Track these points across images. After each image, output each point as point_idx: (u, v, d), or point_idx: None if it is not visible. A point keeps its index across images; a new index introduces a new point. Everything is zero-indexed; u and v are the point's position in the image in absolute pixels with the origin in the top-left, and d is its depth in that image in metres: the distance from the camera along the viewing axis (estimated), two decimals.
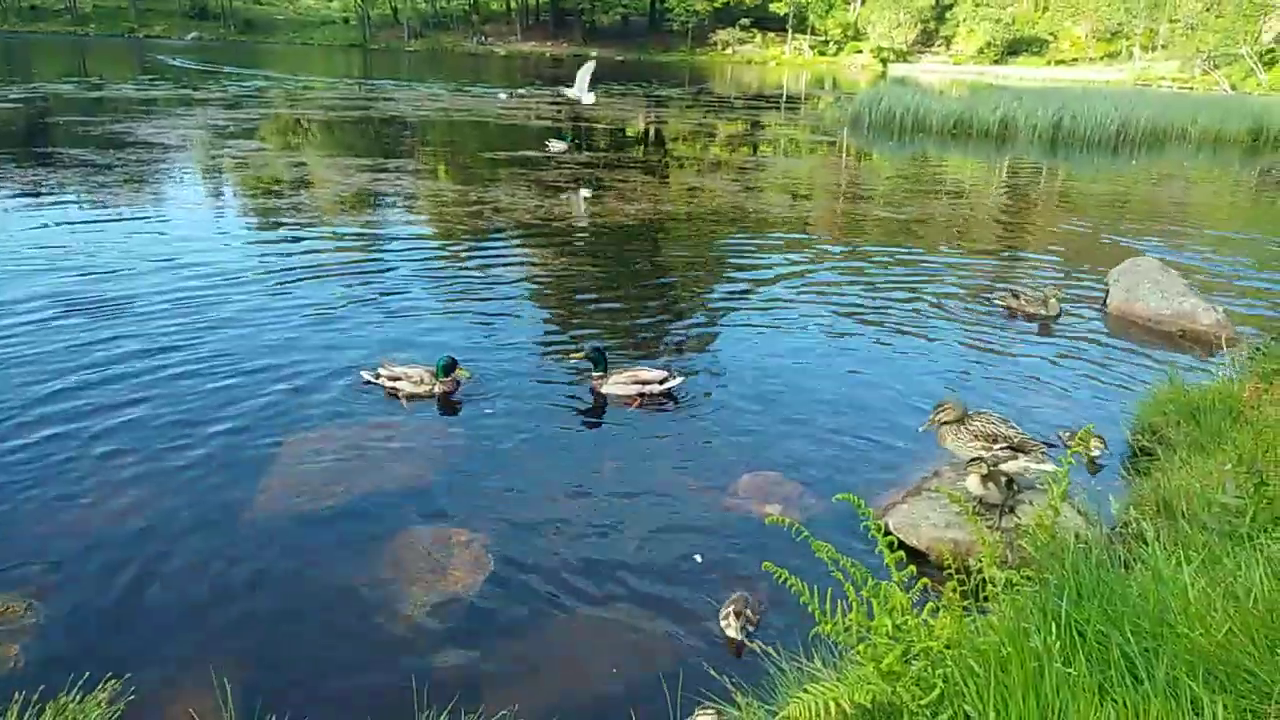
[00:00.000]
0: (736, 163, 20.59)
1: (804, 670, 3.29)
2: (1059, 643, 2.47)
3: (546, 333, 8.23)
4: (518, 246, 11.40)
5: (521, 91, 37.93)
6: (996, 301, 9.44)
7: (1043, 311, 9.02)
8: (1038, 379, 7.43)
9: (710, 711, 3.22)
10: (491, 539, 4.75)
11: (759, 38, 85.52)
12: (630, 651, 3.96)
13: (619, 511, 5.13)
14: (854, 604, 2.72)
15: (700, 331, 8.48)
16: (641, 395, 6.65)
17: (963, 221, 14.67)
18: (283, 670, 3.78)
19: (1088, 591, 2.76)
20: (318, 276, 9.52)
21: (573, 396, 6.76)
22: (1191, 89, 53.18)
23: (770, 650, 3.53)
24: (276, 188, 14.82)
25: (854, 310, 9.20)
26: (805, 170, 20.41)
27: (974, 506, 4.82)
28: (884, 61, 78.38)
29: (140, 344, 7.26)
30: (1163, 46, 66.85)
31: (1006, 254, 12.50)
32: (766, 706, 3.19)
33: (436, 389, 6.53)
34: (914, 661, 2.67)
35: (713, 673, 3.69)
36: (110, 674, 3.46)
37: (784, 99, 44.19)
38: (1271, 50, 57.71)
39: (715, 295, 9.68)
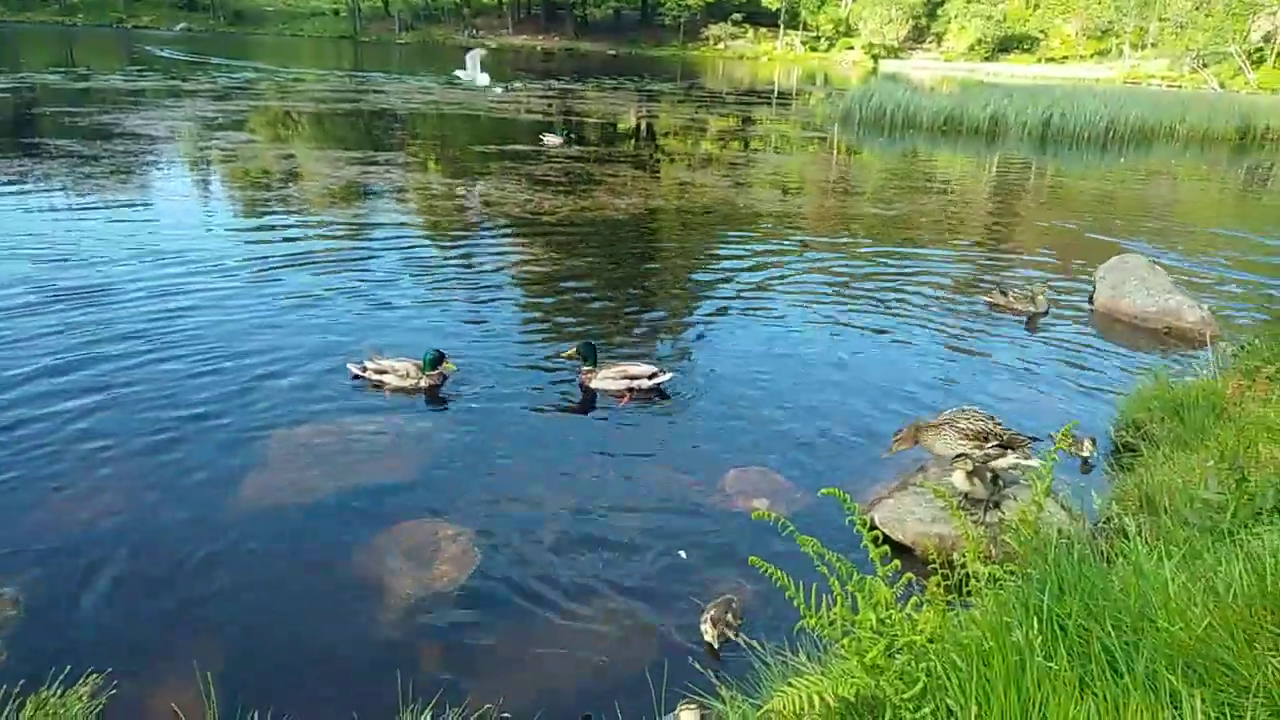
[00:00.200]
0: (727, 158, 20.58)
1: (788, 664, 3.29)
2: (1040, 637, 2.48)
3: (535, 327, 8.22)
4: (507, 240, 11.38)
5: (516, 85, 37.80)
6: (984, 298, 9.48)
7: (1030, 308, 9.05)
8: (1024, 375, 7.46)
9: (693, 707, 3.23)
10: (478, 533, 4.75)
11: (751, 33, 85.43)
12: (616, 646, 3.96)
13: (606, 506, 5.13)
14: (839, 598, 2.73)
15: (689, 327, 8.48)
16: (630, 390, 6.65)
17: (951, 218, 14.70)
18: (265, 665, 3.77)
19: (1069, 586, 2.77)
20: (305, 269, 9.48)
21: (561, 391, 6.75)
22: (1180, 87, 53.41)
23: (755, 644, 3.54)
24: (265, 180, 14.74)
25: (843, 306, 9.21)
26: (796, 166, 20.42)
27: (959, 502, 4.85)
28: (875, 58, 78.45)
29: (125, 335, 7.22)
30: (1152, 45, 67.10)
31: (994, 250, 12.55)
32: (751, 700, 3.20)
33: (423, 383, 6.52)
34: (898, 655, 2.67)
35: (698, 667, 3.70)
36: (92, 668, 3.44)
37: (775, 94, 44.19)
38: (1260, 49, 58.02)
39: (704, 290, 9.69)
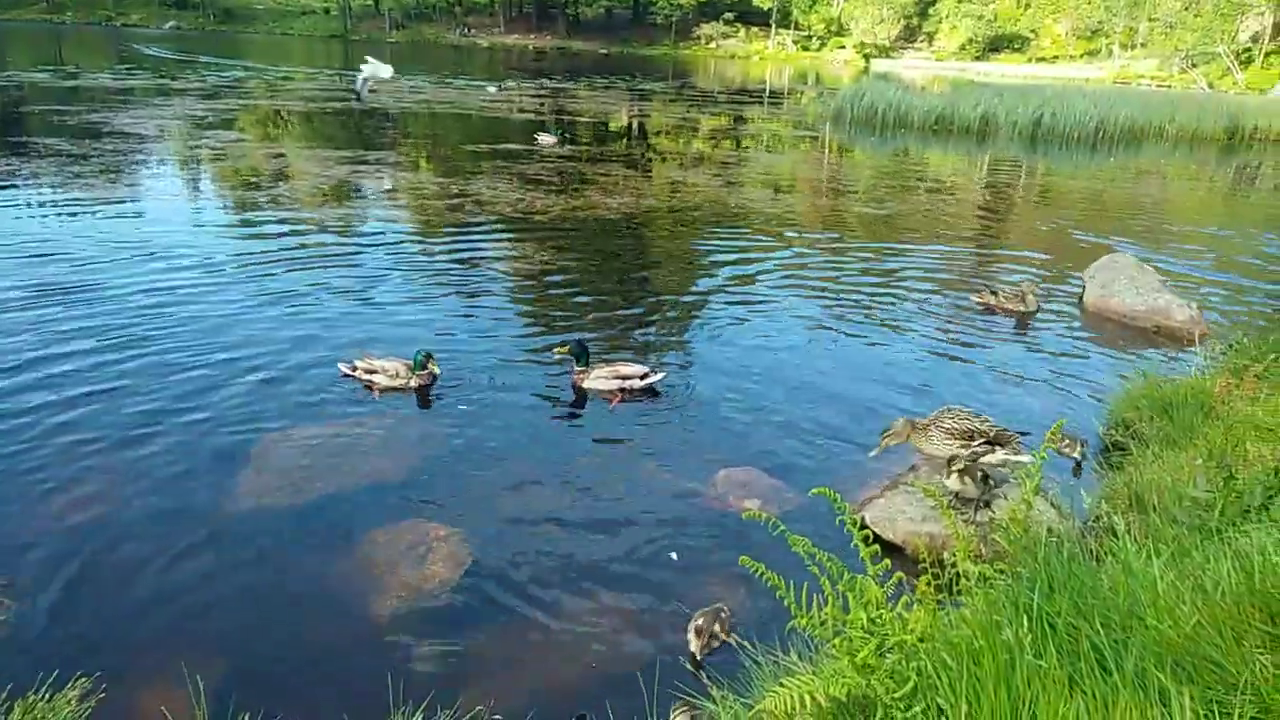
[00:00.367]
0: (719, 157, 20.59)
1: (780, 664, 3.30)
2: (1030, 635, 2.48)
3: (527, 327, 8.21)
4: (498, 240, 11.36)
5: (510, 85, 37.74)
6: (974, 298, 9.50)
7: (1020, 307, 9.08)
8: (1014, 374, 7.49)
9: (685, 710, 3.23)
10: (470, 534, 4.74)
11: (742, 32, 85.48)
12: (608, 647, 3.96)
13: (598, 506, 5.13)
14: (830, 598, 2.73)
15: (681, 326, 8.49)
16: (622, 390, 6.64)
17: (942, 218, 14.74)
18: (256, 667, 3.76)
19: (1059, 585, 2.78)
20: (295, 267, 9.45)
21: (553, 391, 6.75)
22: (1170, 87, 53.66)
23: (746, 644, 3.54)
24: (254, 179, 14.68)
25: (834, 306, 9.23)
26: (787, 165, 20.45)
27: (950, 501, 4.87)
28: (867, 57, 78.58)
29: (113, 334, 7.19)
30: (1142, 45, 67.37)
31: (985, 250, 12.59)
32: (743, 700, 3.20)
33: (412, 383, 6.50)
34: (889, 655, 2.68)
35: (689, 667, 3.70)
36: (80, 672, 3.42)
37: (767, 94, 44.23)
38: (1248, 49, 58.32)
39: (696, 290, 9.69)
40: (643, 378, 6.67)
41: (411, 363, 6.52)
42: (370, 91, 25.94)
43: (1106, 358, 8.01)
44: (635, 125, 27.39)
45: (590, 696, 3.60)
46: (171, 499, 4.94)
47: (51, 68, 34.59)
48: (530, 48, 78.19)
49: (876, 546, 2.81)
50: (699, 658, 3.81)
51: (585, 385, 6.69)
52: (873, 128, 27.66)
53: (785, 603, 2.74)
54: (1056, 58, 73.18)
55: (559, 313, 8.67)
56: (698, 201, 14.63)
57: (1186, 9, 60.42)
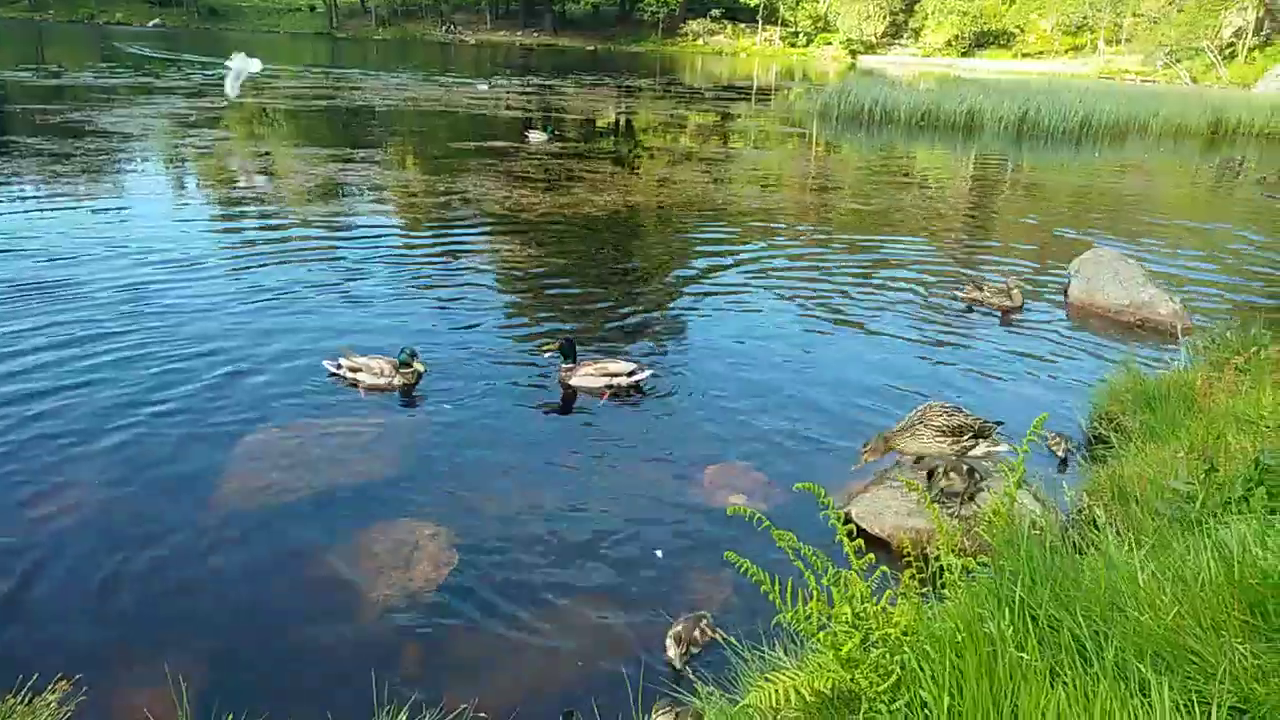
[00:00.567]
0: (706, 154, 20.59)
1: (766, 659, 3.30)
2: (1012, 627, 2.50)
3: (514, 324, 8.19)
4: (485, 237, 11.33)
5: (502, 82, 37.64)
6: (960, 293, 9.54)
7: (1005, 302, 9.12)
8: (999, 368, 7.52)
9: (668, 710, 3.23)
10: (457, 533, 4.73)
11: (729, 29, 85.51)
12: (593, 645, 3.96)
13: (585, 504, 5.12)
14: (815, 592, 2.74)
15: (668, 323, 8.49)
16: (610, 387, 6.64)
17: (928, 213, 14.80)
18: (240, 668, 3.74)
19: (1041, 577, 2.80)
20: (280, 266, 9.40)
21: (540, 388, 6.74)
22: (1154, 82, 53.97)
23: (732, 640, 3.55)
24: (239, 177, 14.60)
25: (821, 302, 9.25)
26: (774, 161, 20.47)
27: (935, 495, 4.89)
28: (853, 53, 78.77)
29: (97, 332, 7.13)
30: (1126, 40, 67.72)
31: (971, 245, 12.64)
32: (729, 695, 3.21)
33: (396, 381, 6.47)
34: (873, 648, 2.69)
35: (671, 671, 3.70)
36: (60, 674, 3.40)
37: (754, 90, 44.26)
38: (1232, 44, 58.70)
39: (684, 287, 9.69)
40: (630, 375, 6.67)
41: (397, 361, 6.49)
42: (241, 86, 25.69)
43: (1091, 352, 8.05)
44: (622, 122, 27.37)
45: (576, 695, 3.60)
46: (153, 498, 4.91)
47: (33, 66, 34.24)
48: (517, 45, 77.98)
49: (860, 541, 2.82)
50: (678, 666, 3.76)
51: (572, 383, 6.68)
52: (859, 124, 27.73)
53: (770, 598, 2.75)
54: (1042, 53, 73.50)
55: (546, 310, 8.66)
56: (685, 198, 14.63)
57: (1170, 4, 60.75)
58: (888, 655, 2.65)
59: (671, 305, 9.04)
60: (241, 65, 24.97)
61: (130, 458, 5.30)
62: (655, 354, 7.55)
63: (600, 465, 5.62)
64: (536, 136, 19.92)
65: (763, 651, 3.34)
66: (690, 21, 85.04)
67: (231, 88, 25.25)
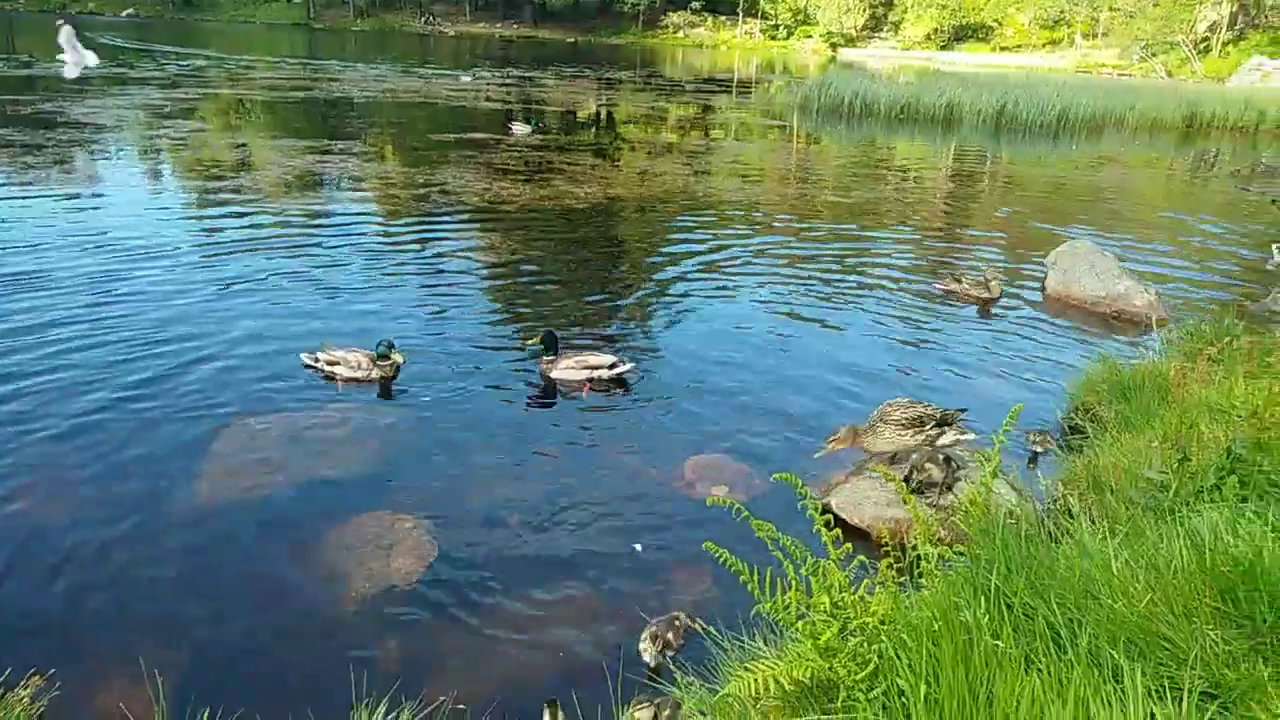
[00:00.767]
0: (687, 146, 20.58)
1: (745, 648, 3.31)
2: (988, 616, 2.52)
3: (494, 316, 8.16)
4: (465, 229, 11.27)
5: (484, 74, 37.41)
6: (939, 284, 9.60)
7: (984, 294, 9.19)
8: (977, 360, 7.58)
9: (647, 705, 3.23)
10: (436, 525, 4.71)
11: (710, 21, 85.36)
12: (573, 638, 3.96)
13: (565, 496, 5.12)
14: (793, 582, 2.75)
15: (649, 315, 8.48)
16: (590, 380, 6.63)
17: (907, 205, 14.87)
18: (218, 662, 3.71)
19: (1016, 566, 2.83)
20: (255, 257, 9.30)
21: (520, 381, 6.72)
22: (1130, 76, 54.44)
23: (712, 630, 3.56)
24: (215, 169, 14.43)
25: (802, 294, 9.28)
26: (755, 154, 20.48)
27: (913, 484, 4.92)
28: (834, 46, 78.87)
29: (68, 324, 7.04)
30: (1103, 34, 68.21)
31: (949, 237, 12.71)
32: (708, 685, 3.22)
33: (374, 374, 6.42)
34: (851, 637, 2.70)
35: (648, 671, 3.70)
36: (34, 669, 3.36)
37: (735, 83, 44.23)
38: (1206, 39, 59.26)
39: (664, 279, 9.69)
40: (611, 367, 6.66)
41: (374, 354, 6.44)
42: (76, 57, 25.34)
43: (1068, 343, 8.13)
44: (603, 114, 27.29)
45: (556, 687, 3.59)
46: (128, 491, 4.85)
47: (3, 56, 33.67)
48: (497, 36, 77.52)
49: (838, 530, 2.83)
50: (653, 665, 3.73)
51: (553, 375, 6.67)
52: (839, 117, 27.81)
53: (749, 588, 2.76)
54: (1020, 47, 73.92)
55: (526, 302, 8.63)
56: (666, 190, 14.61)
57: None
58: (865, 644, 2.67)
59: (652, 297, 9.04)
60: (69, 40, 24.60)
61: (104, 450, 5.24)
62: (636, 346, 7.54)
63: (581, 457, 5.62)
64: (520, 129, 19.83)
65: (742, 641, 3.35)
66: (670, 14, 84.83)
67: (68, 49, 24.81)
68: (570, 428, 6.05)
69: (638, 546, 4.67)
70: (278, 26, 77.47)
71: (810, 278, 9.90)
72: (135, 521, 4.60)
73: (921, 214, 14.26)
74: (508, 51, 58.30)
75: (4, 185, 12.02)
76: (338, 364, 6.43)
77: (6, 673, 3.33)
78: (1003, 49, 74.11)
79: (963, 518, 3.33)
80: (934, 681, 2.38)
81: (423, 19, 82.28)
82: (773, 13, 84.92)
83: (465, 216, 11.89)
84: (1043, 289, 9.76)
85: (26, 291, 7.71)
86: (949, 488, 5.01)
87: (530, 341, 6.81)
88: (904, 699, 2.39)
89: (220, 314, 7.59)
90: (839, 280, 9.83)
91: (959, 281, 9.37)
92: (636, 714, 3.21)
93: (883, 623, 2.75)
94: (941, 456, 5.03)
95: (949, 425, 5.13)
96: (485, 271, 9.54)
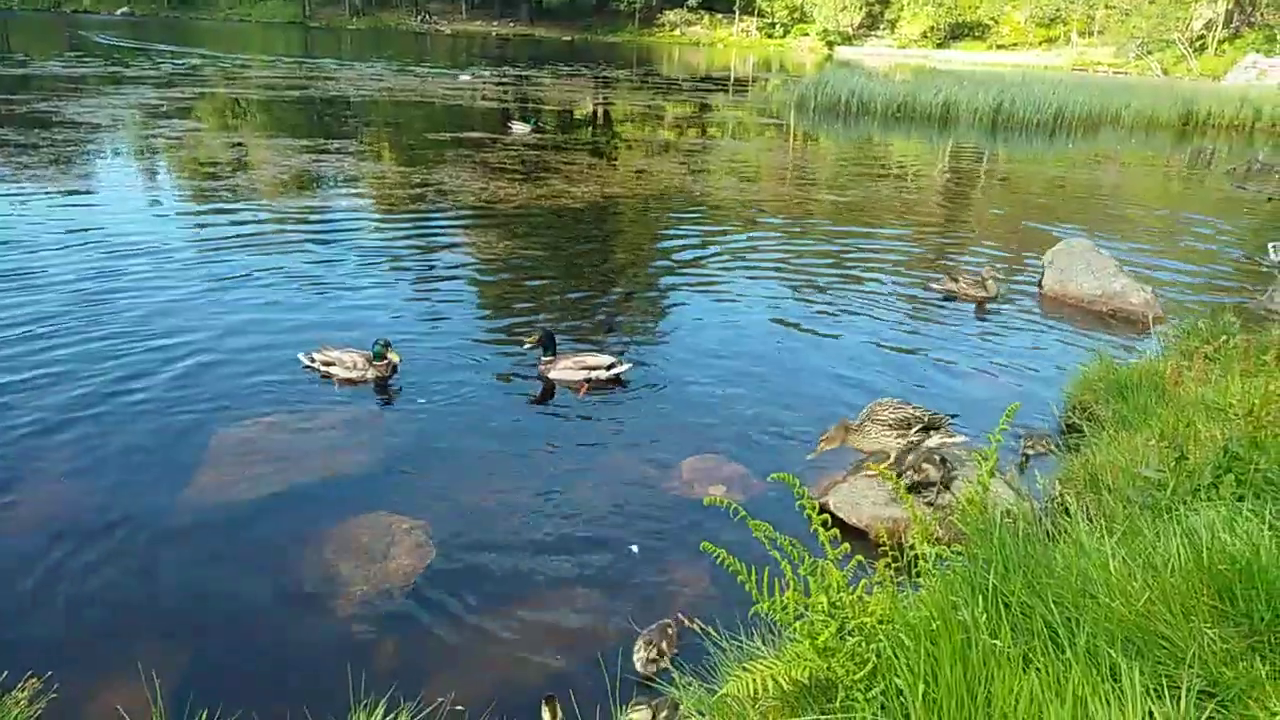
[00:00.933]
0: (684, 145, 20.58)
1: (743, 648, 3.31)
2: (985, 615, 2.52)
3: (491, 316, 8.15)
4: (462, 229, 11.26)
5: (484, 73, 37.36)
6: (935, 283, 9.60)
7: (980, 293, 9.20)
8: (974, 359, 7.58)
9: (645, 707, 3.23)
10: (434, 526, 4.71)
11: (706, 19, 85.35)
12: (570, 638, 3.96)
13: (563, 497, 5.11)
14: (791, 582, 2.75)
15: (647, 315, 8.48)
16: (589, 380, 6.63)
17: (904, 204, 14.87)
18: (216, 664, 3.70)
19: (1014, 565, 2.83)
20: (252, 257, 9.29)
21: (518, 381, 6.71)
22: (1126, 74, 54.51)
23: (710, 630, 3.56)
24: (211, 168, 14.40)
25: (799, 293, 9.28)
26: (751, 153, 20.48)
27: (909, 483, 4.92)
28: (830, 44, 78.89)
29: (65, 323, 7.03)
30: (1099, 32, 68.31)
31: (946, 236, 12.72)
32: (706, 685, 3.22)
33: (369, 374, 6.41)
34: (849, 637, 2.70)
35: (640, 677, 3.69)
36: (31, 672, 3.34)
37: (731, 81, 44.22)
38: (1202, 36, 59.37)
39: (662, 279, 9.68)
40: (609, 368, 6.66)
41: (370, 354, 6.43)
42: None
43: (1064, 342, 8.14)
44: (600, 113, 27.27)
45: (554, 687, 3.58)
46: (125, 492, 4.84)
47: None
48: (493, 35, 77.46)
49: (836, 530, 2.83)
50: (644, 673, 3.70)
51: (551, 375, 6.66)
52: (836, 115, 27.81)
53: (746, 588, 2.76)
54: (1016, 45, 73.98)
55: (523, 302, 8.62)
56: (663, 189, 14.61)
57: None
58: (864, 643, 2.67)
59: (650, 298, 9.04)
60: None
61: (100, 451, 5.23)
62: (634, 346, 7.54)
63: (579, 458, 5.61)
64: (520, 128, 19.82)
65: (740, 641, 3.35)
66: (667, 12, 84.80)
67: None
68: (568, 428, 6.05)
69: (634, 548, 4.67)
70: (273, 25, 77.34)
71: (807, 277, 9.90)
72: (131, 522, 4.58)
73: (918, 213, 14.27)
74: (504, 50, 58.25)
75: (2, 187, 11.97)
76: (333, 364, 6.42)
77: (3, 676, 3.31)
78: (999, 47, 74.17)
79: (960, 517, 3.33)
80: (932, 681, 2.38)
81: (419, 17, 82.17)
82: (769, 11, 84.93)
83: (462, 216, 11.88)
84: (1039, 288, 9.77)
85: (20, 290, 7.69)
86: (946, 487, 5.02)
87: (528, 341, 6.81)
88: (902, 698, 2.40)
89: (217, 313, 7.58)
90: (836, 279, 9.84)
91: (956, 280, 9.37)
92: (633, 715, 3.21)
93: (881, 622, 2.75)
94: (938, 456, 5.03)
95: (936, 429, 5.13)
96: (482, 271, 9.53)
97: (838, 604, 2.77)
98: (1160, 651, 2.45)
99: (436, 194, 13.09)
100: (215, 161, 15.00)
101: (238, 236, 10.16)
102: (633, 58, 58.17)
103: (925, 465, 5.00)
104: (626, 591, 4.29)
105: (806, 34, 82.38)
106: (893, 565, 2.95)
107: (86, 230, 9.86)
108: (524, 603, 4.18)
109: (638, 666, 3.70)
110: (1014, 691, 2.27)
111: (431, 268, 9.45)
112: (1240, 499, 3.34)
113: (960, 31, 78.55)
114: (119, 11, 77.69)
